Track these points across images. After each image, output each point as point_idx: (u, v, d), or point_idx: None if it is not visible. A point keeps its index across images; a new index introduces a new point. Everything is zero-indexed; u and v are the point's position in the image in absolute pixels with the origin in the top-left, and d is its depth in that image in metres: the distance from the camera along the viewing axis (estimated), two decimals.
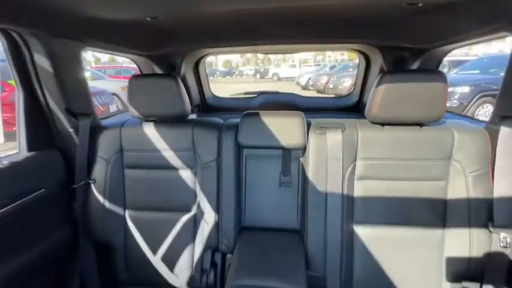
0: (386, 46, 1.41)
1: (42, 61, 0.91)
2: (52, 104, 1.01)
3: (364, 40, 1.36)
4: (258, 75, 18.90)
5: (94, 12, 0.87)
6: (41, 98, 0.99)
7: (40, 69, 0.93)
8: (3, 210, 0.84)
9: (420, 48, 1.32)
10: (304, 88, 11.32)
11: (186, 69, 1.71)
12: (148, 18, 1.02)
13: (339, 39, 1.33)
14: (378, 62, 1.57)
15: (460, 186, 0.93)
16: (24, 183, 0.94)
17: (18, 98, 0.96)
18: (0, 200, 0.84)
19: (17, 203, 0.89)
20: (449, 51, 1.32)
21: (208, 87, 2.12)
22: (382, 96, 0.91)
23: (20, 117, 0.98)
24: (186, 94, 1.09)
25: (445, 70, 8.27)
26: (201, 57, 1.81)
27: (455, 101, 5.07)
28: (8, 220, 0.87)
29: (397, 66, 1.46)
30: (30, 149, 1.00)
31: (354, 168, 0.99)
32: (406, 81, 0.90)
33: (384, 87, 0.91)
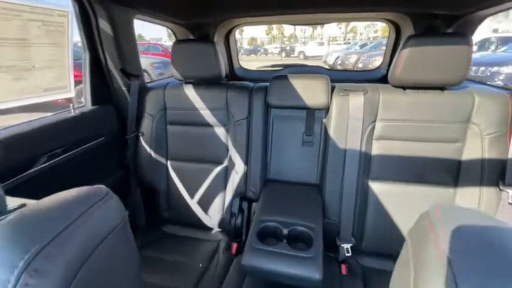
0: (417, 13, 1.40)
1: (105, 26, 1.08)
2: (111, 65, 1.18)
3: (395, 7, 1.36)
4: (283, 54, 18.44)
5: None
6: (102, 60, 1.17)
7: (103, 33, 1.10)
8: (72, 152, 1.05)
9: (453, 15, 1.30)
10: (332, 67, 10.94)
11: (218, 40, 1.82)
12: None
13: (368, 7, 1.35)
14: (408, 31, 1.56)
15: (475, 148, 0.98)
16: (88, 131, 1.14)
17: (85, 59, 1.15)
18: (71, 142, 1.04)
19: (83, 146, 1.10)
20: (485, 17, 1.28)
21: (237, 58, 2.22)
22: (405, 59, 0.96)
23: (86, 76, 1.17)
24: (221, 59, 1.21)
25: (492, 48, 7.50)
26: (232, 29, 1.90)
27: (499, 83, 4.67)
28: (76, 161, 1.08)
29: None
30: (93, 103, 1.20)
31: (373, 129, 1.07)
32: (429, 44, 0.94)
33: (408, 51, 0.95)
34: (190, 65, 1.21)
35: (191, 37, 1.70)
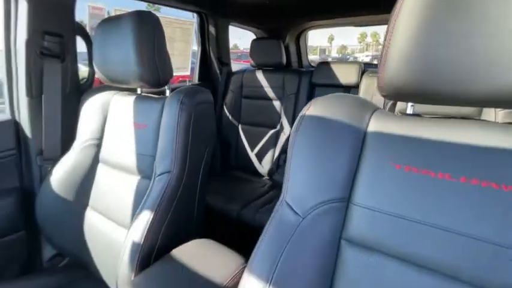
0: None
1: (211, 30, 1.71)
2: (212, 55, 1.82)
3: None
4: (375, 61, 17.36)
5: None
6: (208, 52, 1.82)
7: (210, 35, 1.74)
8: None
9: None
10: None
11: (289, 40, 2.29)
12: (267, 2, 1.65)
13: None
14: None
15: None
16: None
17: (198, 51, 1.82)
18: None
19: None
20: None
21: (307, 58, 2.64)
22: None
23: (196, 62, 1.85)
24: (283, 51, 1.67)
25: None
26: (302, 31, 2.34)
27: None
28: None
29: None
30: (199, 80, 1.87)
31: (394, 105, 1.31)
32: None
33: None
34: (261, 55, 1.72)
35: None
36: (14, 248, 1.00)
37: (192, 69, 1.85)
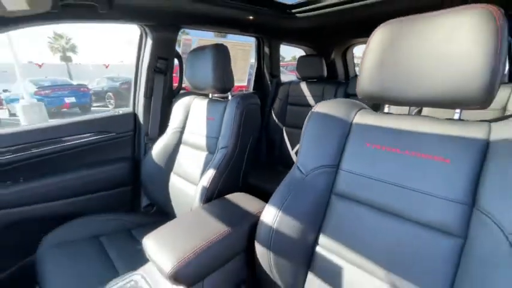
0: None
1: (265, 49, 2.13)
2: (265, 69, 2.23)
3: None
4: None
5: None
6: (262, 68, 2.24)
7: (265, 54, 2.16)
8: None
9: None
10: None
11: (336, 55, 2.56)
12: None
13: None
14: None
15: None
16: None
17: (254, 66, 2.25)
18: None
19: None
20: None
21: (354, 70, 2.84)
22: None
23: (252, 75, 2.28)
24: (324, 66, 1.97)
25: None
26: (348, 47, 2.58)
27: None
28: None
29: None
30: (253, 89, 2.29)
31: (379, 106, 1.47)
32: None
33: None
34: (306, 70, 2.05)
35: (314, 53, 2.56)
36: (125, 195, 1.54)
37: (249, 81, 2.29)
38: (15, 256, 1.24)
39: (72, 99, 9.21)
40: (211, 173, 1.10)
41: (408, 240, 0.62)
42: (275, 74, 2.27)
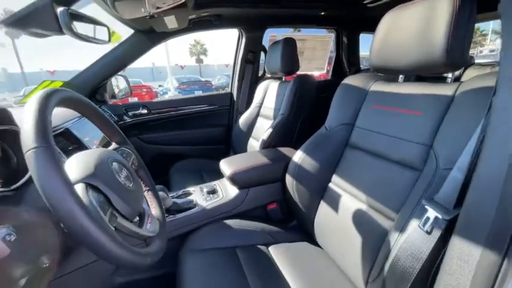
0: None
1: (344, 41, 2.32)
2: (343, 59, 2.41)
3: None
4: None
5: None
6: (341, 57, 2.44)
7: (344, 45, 2.34)
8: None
9: None
10: None
11: None
12: None
13: None
14: None
15: None
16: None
17: (332, 57, 2.48)
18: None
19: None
20: None
21: None
22: None
23: (332, 64, 2.51)
24: None
25: None
26: None
27: None
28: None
29: None
30: (331, 77, 2.52)
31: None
32: None
33: None
34: None
35: None
36: (219, 151, 2.19)
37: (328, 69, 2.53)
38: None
39: (200, 92, 11.79)
40: (269, 130, 1.52)
41: (385, 173, 0.83)
42: (354, 63, 2.41)
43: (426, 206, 0.61)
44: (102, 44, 1.02)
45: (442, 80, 0.94)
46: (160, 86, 14.74)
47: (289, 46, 1.59)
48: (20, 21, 0.73)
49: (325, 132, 1.09)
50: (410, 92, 0.84)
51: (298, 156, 1.11)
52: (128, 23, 1.37)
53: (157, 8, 1.00)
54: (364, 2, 1.76)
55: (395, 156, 0.81)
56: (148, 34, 1.61)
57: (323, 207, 1.03)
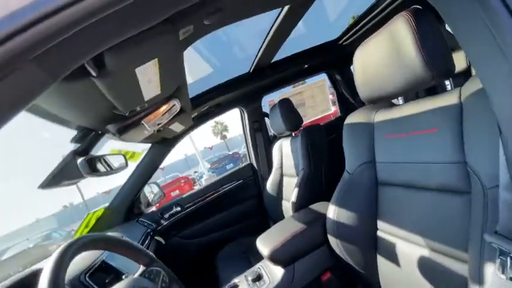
0: None
1: (338, 77, 2.39)
2: (348, 96, 2.45)
3: None
4: None
5: None
6: (343, 95, 2.48)
7: (340, 83, 2.41)
8: None
9: None
10: None
11: None
12: None
13: None
14: None
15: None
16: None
17: (335, 94, 2.53)
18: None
19: None
20: None
21: None
22: None
23: (336, 105, 2.54)
24: None
25: None
26: None
27: None
28: None
29: None
30: (341, 112, 2.52)
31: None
32: None
33: None
34: None
35: None
36: (257, 223, 2.12)
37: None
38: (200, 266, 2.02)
39: (231, 165, 12.25)
40: (296, 190, 1.48)
41: (431, 205, 0.73)
42: (356, 93, 2.42)
43: (493, 244, 0.51)
44: (122, 171, 1.17)
45: (440, 89, 0.90)
46: (195, 172, 15.78)
47: (285, 106, 1.67)
48: (53, 180, 0.87)
49: (349, 177, 1.03)
50: (415, 111, 0.80)
51: (332, 212, 1.03)
52: (142, 141, 1.57)
53: (159, 124, 1.15)
54: (339, 43, 1.87)
55: (433, 183, 0.73)
56: (163, 142, 1.81)
57: (382, 263, 0.91)
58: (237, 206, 2.11)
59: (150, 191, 2.01)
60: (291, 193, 1.64)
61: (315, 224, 1.17)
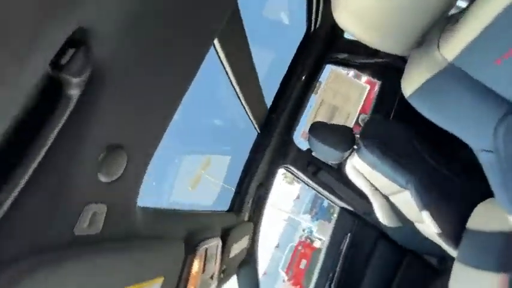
0: None
1: None
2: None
3: None
4: None
5: None
6: None
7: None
8: None
9: None
10: None
11: None
12: None
13: None
14: None
15: None
16: None
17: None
18: None
19: None
20: None
21: None
22: None
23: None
24: None
25: None
26: None
27: None
28: None
29: None
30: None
31: None
32: None
33: None
34: None
35: None
36: None
37: None
38: None
39: (325, 202, 11.63)
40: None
41: None
42: None
43: None
44: None
45: None
46: (303, 230, 14.70)
47: (318, 129, 1.29)
48: None
49: None
50: None
51: None
52: None
53: None
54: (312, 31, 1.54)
55: None
56: None
57: None
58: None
59: None
60: (414, 211, 1.11)
61: None
